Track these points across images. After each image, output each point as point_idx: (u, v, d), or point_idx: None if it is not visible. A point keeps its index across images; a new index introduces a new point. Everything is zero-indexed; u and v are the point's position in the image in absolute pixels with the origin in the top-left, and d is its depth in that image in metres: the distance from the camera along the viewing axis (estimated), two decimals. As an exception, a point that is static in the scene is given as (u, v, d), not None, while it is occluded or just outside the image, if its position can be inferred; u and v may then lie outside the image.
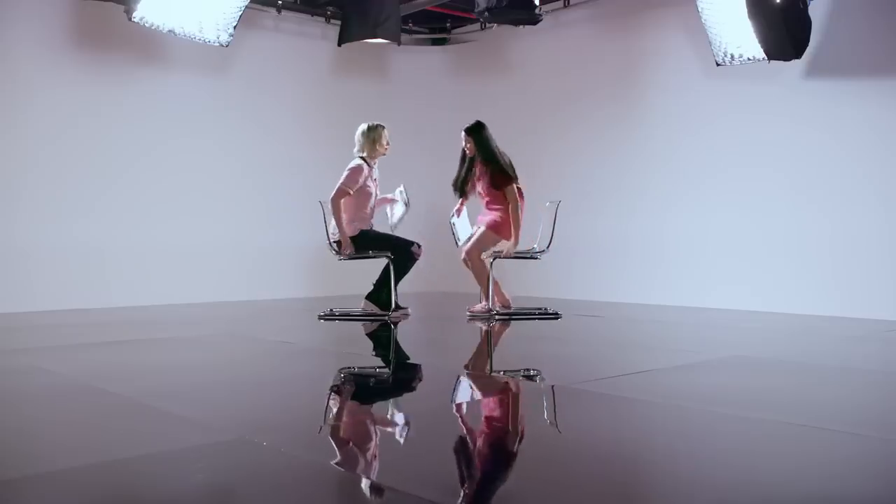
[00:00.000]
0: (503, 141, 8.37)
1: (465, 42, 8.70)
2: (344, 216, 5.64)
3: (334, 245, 5.81)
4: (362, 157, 5.76)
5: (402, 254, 5.72)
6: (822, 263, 6.05)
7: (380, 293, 5.78)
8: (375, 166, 5.85)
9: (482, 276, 5.92)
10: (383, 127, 5.85)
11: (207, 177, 7.29)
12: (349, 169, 5.69)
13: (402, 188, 5.99)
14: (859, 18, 5.91)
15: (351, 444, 2.42)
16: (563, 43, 7.78)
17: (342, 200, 5.60)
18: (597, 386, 3.15)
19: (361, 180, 5.65)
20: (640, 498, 1.94)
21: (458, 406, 3.03)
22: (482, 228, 5.90)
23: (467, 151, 6.04)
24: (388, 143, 5.84)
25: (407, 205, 5.99)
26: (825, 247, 6.04)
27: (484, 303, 5.91)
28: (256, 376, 3.55)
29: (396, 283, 5.73)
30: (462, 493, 1.92)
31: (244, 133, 7.54)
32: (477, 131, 6.03)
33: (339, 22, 7.39)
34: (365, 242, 5.73)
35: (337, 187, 5.60)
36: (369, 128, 5.82)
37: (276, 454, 2.14)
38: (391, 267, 5.70)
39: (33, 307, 6.19)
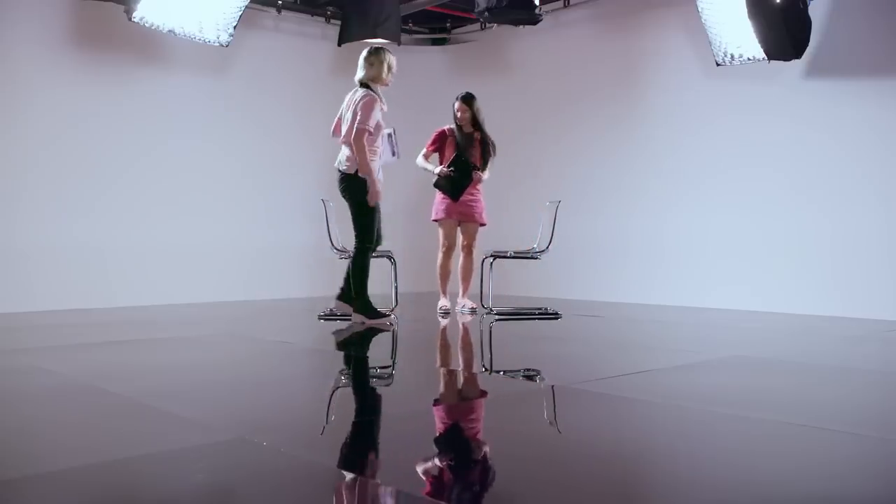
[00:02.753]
0: (504, 141, 8.39)
1: (465, 42, 8.71)
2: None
3: (337, 248, 5.83)
4: (368, 87, 5.13)
5: (359, 242, 5.18)
6: (822, 263, 6.05)
7: (355, 295, 5.27)
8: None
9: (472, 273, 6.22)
10: (388, 51, 5.23)
11: (207, 176, 7.29)
12: (363, 103, 5.05)
13: (391, 130, 5.36)
14: (859, 18, 5.92)
15: (350, 444, 2.41)
16: (563, 43, 7.79)
17: (362, 141, 5.00)
18: (597, 386, 3.15)
19: (378, 115, 5.09)
20: (640, 498, 1.94)
21: (458, 406, 3.03)
22: (476, 225, 6.15)
23: (460, 122, 6.05)
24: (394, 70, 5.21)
25: (395, 154, 5.41)
26: (825, 247, 6.04)
27: (465, 298, 6.20)
28: (256, 376, 3.55)
29: (355, 279, 5.20)
30: (462, 493, 1.92)
31: (244, 133, 7.55)
32: (474, 99, 6.05)
33: (339, 22, 7.39)
34: (358, 190, 5.11)
35: (356, 128, 5.00)
36: (376, 49, 5.18)
37: (276, 454, 2.14)
38: (355, 263, 5.21)
39: (33, 307, 6.19)
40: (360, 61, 5.17)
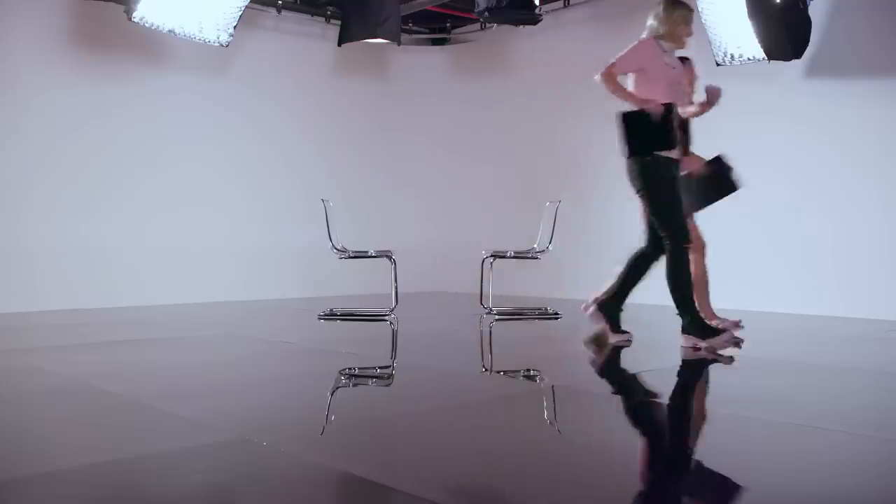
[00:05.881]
0: (503, 141, 8.39)
1: (465, 42, 8.70)
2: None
3: (337, 249, 5.76)
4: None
5: (671, 243, 4.10)
6: (822, 263, 6.05)
7: (617, 303, 4.40)
8: (673, 52, 4.30)
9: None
10: (690, 9, 4.33)
11: (207, 176, 7.29)
12: (631, 45, 4.18)
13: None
14: (859, 18, 5.92)
15: (350, 444, 2.41)
16: (563, 43, 7.79)
17: (608, 77, 4.09)
18: (597, 386, 3.15)
19: (644, 60, 4.13)
20: (640, 498, 1.94)
21: (458, 406, 3.03)
22: None
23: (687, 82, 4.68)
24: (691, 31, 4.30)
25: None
26: (826, 247, 6.04)
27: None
28: (256, 376, 3.55)
29: (679, 293, 4.11)
30: (462, 494, 1.92)
31: (244, 133, 7.55)
32: None
33: (339, 22, 7.40)
34: (650, 174, 4.06)
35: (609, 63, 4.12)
36: (673, 2, 4.24)
37: (276, 454, 2.14)
38: (634, 265, 4.33)
39: (34, 307, 6.19)
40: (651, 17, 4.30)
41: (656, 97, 4.05)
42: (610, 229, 7.41)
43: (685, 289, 4.10)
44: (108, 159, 6.74)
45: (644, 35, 4.25)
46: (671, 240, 4.09)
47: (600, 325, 4.37)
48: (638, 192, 4.15)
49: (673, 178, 4.12)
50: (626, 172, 4.19)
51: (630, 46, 4.15)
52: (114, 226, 6.73)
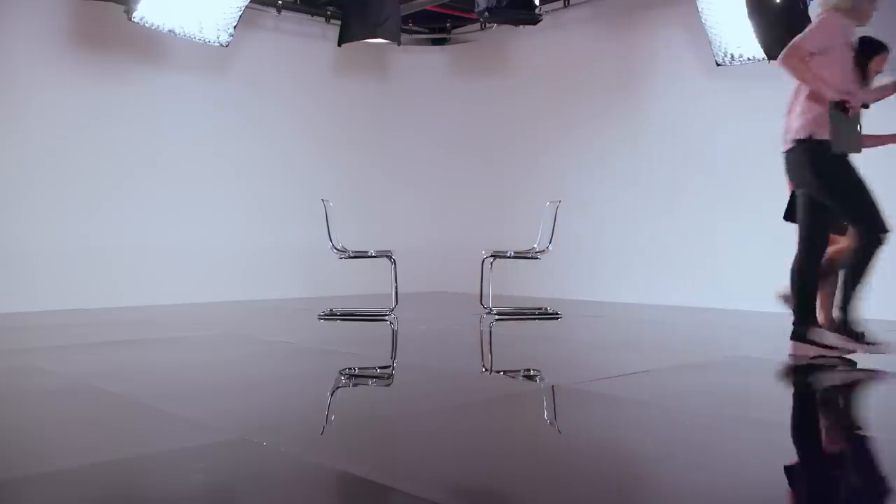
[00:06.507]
0: (504, 140, 8.39)
1: (465, 42, 8.71)
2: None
3: (337, 249, 5.75)
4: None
5: (868, 236, 3.65)
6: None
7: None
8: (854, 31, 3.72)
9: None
10: None
11: (207, 176, 7.29)
12: (815, 23, 3.66)
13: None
14: (859, 18, 5.91)
15: (350, 444, 2.41)
16: (563, 43, 7.79)
17: (797, 60, 3.55)
18: (597, 386, 3.15)
19: (829, 40, 3.61)
20: (640, 498, 1.94)
21: (458, 406, 3.02)
22: None
23: (870, 76, 4.13)
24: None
25: None
26: (825, 247, 6.04)
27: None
28: (256, 376, 3.55)
29: (852, 287, 3.75)
30: (462, 494, 1.92)
31: (244, 133, 7.55)
32: None
33: (339, 22, 7.41)
34: (822, 176, 3.68)
35: (788, 46, 3.58)
36: None
37: (276, 454, 2.14)
38: (803, 265, 3.85)
39: (34, 307, 6.19)
40: None
41: (830, 77, 3.60)
42: (610, 229, 7.41)
43: (856, 285, 3.73)
44: (108, 159, 6.74)
45: (819, 10, 3.72)
46: (868, 232, 3.64)
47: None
48: (805, 185, 3.71)
49: (846, 162, 3.65)
50: (785, 165, 3.77)
51: (813, 25, 3.64)
52: (114, 226, 6.73)
